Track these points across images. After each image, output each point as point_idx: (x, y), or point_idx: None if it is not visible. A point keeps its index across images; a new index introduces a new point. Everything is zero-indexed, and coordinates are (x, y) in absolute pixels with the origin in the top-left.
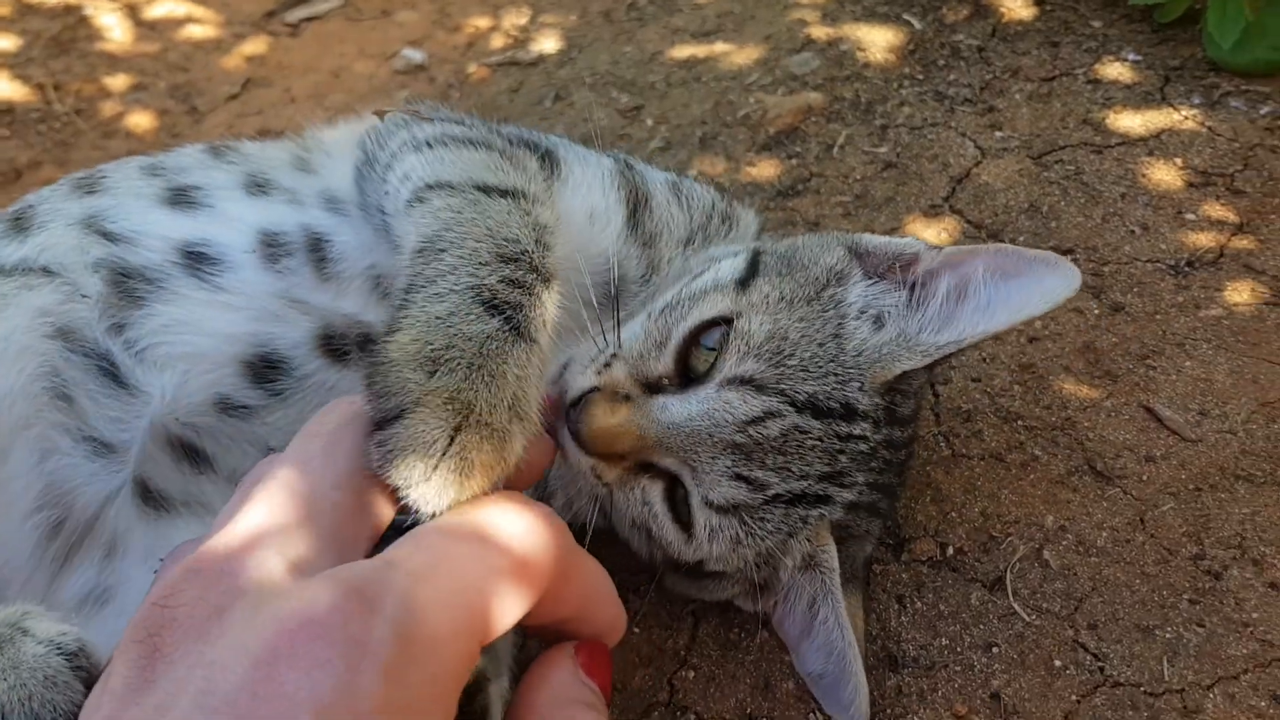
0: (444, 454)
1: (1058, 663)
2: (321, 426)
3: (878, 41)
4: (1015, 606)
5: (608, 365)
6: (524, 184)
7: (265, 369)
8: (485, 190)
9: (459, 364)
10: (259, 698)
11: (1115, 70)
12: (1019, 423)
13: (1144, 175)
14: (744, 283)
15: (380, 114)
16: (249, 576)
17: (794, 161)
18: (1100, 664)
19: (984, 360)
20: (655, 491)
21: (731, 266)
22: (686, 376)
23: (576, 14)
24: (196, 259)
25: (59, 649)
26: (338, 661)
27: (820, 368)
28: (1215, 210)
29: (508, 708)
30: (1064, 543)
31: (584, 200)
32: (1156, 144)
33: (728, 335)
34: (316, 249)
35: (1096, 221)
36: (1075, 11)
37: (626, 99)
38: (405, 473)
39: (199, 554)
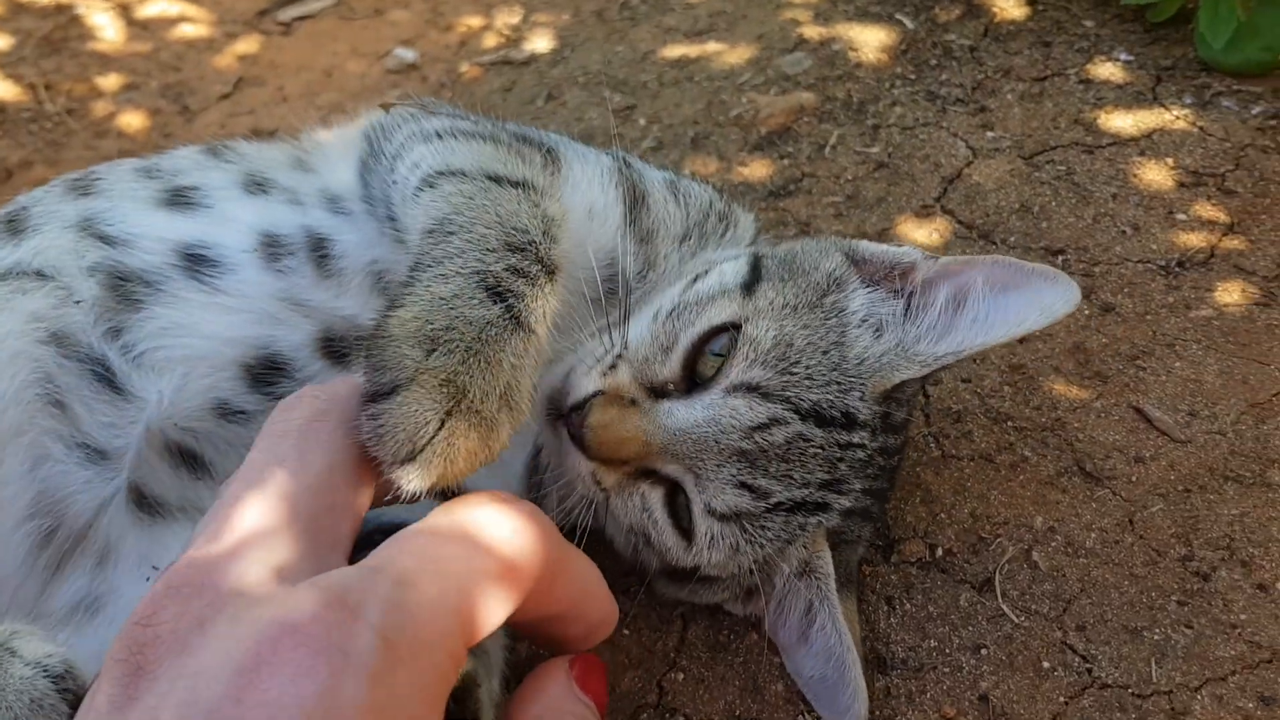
0: (432, 438)
1: (1046, 664)
2: (289, 424)
3: (870, 41)
4: (1004, 608)
5: (613, 367)
6: (533, 176)
7: (266, 372)
8: (496, 180)
9: (457, 346)
10: (243, 705)
11: (1107, 70)
12: (1008, 423)
13: (1135, 175)
14: (749, 288)
15: (386, 106)
16: (230, 587)
17: (786, 161)
18: (1088, 665)
19: (974, 361)
20: (655, 498)
21: (734, 270)
22: (692, 381)
23: (569, 13)
24: (196, 261)
25: (45, 671)
26: (321, 668)
27: (824, 376)
28: (1206, 210)
29: (500, 718)
30: (1053, 544)
31: (583, 197)
32: (1148, 144)
33: (735, 341)
34: (318, 248)
35: (1087, 222)
36: (1067, 11)
37: (619, 98)
38: (393, 449)
39: (179, 568)
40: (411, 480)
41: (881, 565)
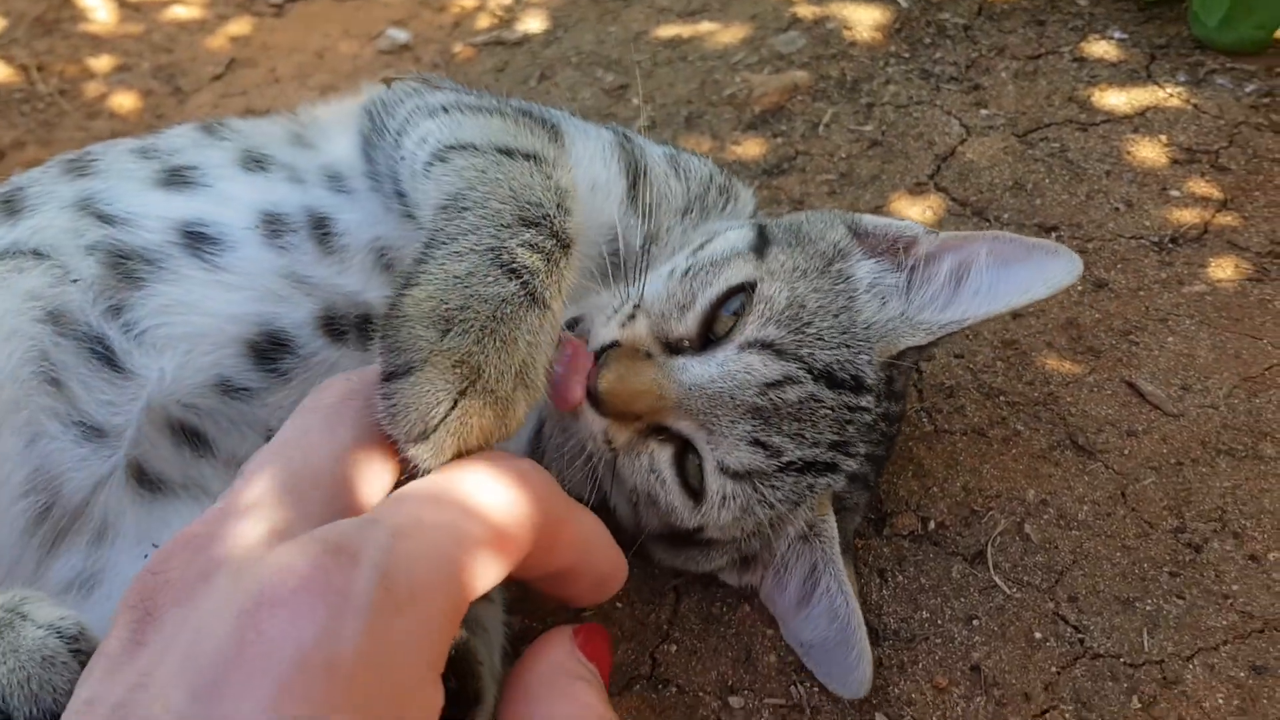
0: (445, 417)
1: (1038, 635)
2: (319, 402)
3: (864, 20)
4: (996, 580)
5: (631, 318)
6: (543, 149)
7: (269, 349)
8: (508, 153)
9: (472, 326)
10: (244, 646)
11: (1101, 48)
12: (1001, 398)
13: (1129, 152)
14: (760, 251)
15: (388, 81)
16: (237, 543)
17: (779, 140)
18: (1080, 636)
19: (967, 336)
20: (664, 457)
21: (740, 237)
22: (706, 340)
23: None
24: (196, 239)
25: (58, 632)
26: (320, 610)
27: (835, 338)
28: (1199, 187)
29: (503, 682)
30: (1045, 517)
31: (586, 172)
32: (1141, 121)
33: (749, 299)
34: (320, 225)
35: (1081, 199)
36: None
37: (612, 78)
38: (406, 429)
39: (192, 526)
40: (425, 458)
41: (874, 538)
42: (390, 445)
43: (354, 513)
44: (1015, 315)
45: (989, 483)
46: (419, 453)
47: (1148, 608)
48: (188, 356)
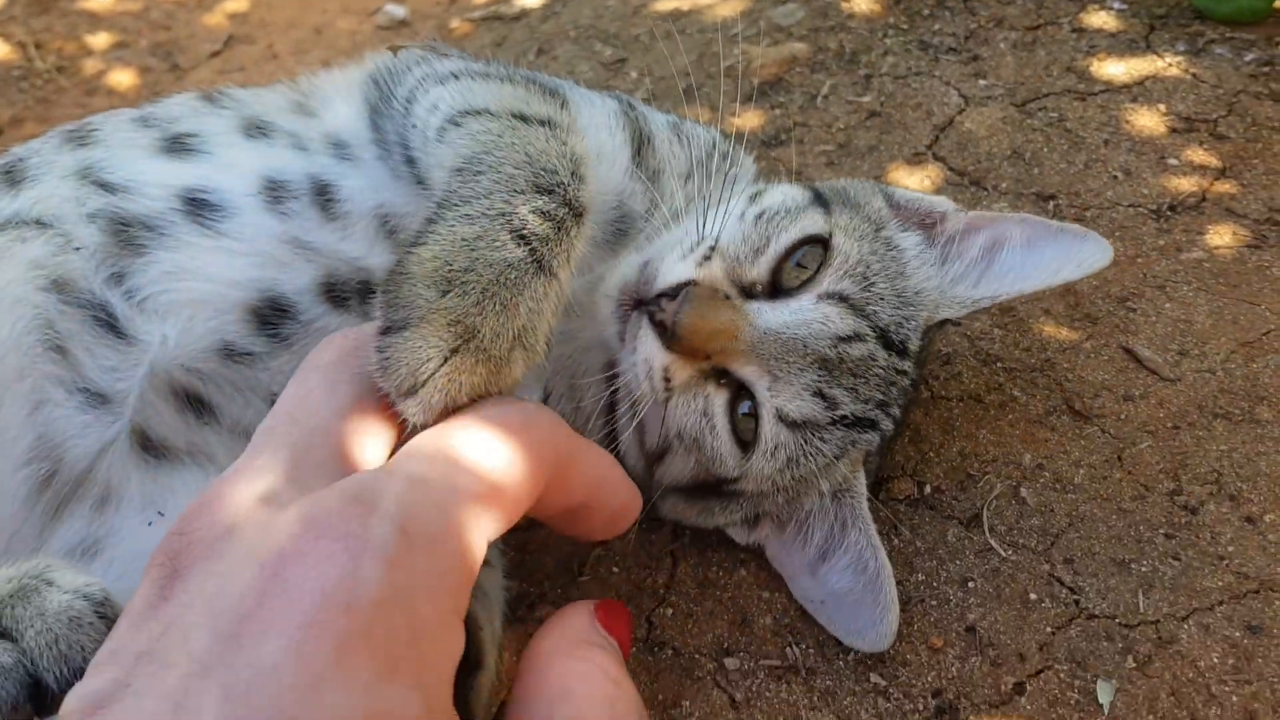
0: (433, 374)
1: (1033, 596)
2: (320, 360)
3: None
4: (992, 543)
5: (707, 259)
6: (556, 114)
7: (270, 314)
8: (523, 118)
9: (473, 288)
10: (267, 593)
11: (1100, 19)
12: (998, 364)
13: (1127, 122)
14: (825, 207)
15: (394, 49)
16: (256, 501)
17: (778, 112)
18: (1076, 597)
19: None
20: (720, 402)
21: (797, 192)
22: (774, 288)
23: None
24: (198, 205)
25: (85, 596)
26: (340, 554)
27: (894, 300)
28: (1198, 155)
29: (523, 651)
30: (1041, 480)
31: (592, 140)
32: (1140, 91)
33: (825, 252)
34: (323, 192)
35: (1079, 167)
36: None
37: (610, 52)
38: (395, 382)
39: (211, 488)
40: (413, 412)
41: (870, 502)
42: (387, 400)
43: (360, 466)
44: None
45: (985, 448)
46: (408, 406)
47: (1143, 569)
48: (190, 322)
